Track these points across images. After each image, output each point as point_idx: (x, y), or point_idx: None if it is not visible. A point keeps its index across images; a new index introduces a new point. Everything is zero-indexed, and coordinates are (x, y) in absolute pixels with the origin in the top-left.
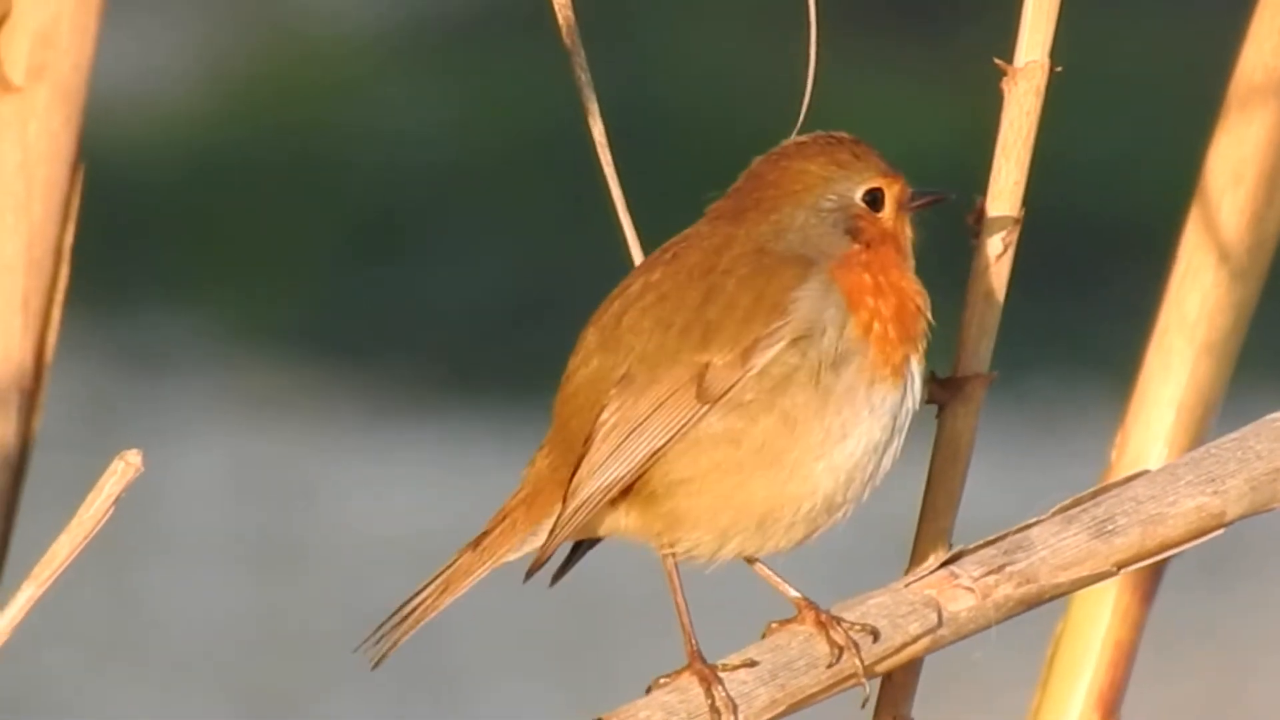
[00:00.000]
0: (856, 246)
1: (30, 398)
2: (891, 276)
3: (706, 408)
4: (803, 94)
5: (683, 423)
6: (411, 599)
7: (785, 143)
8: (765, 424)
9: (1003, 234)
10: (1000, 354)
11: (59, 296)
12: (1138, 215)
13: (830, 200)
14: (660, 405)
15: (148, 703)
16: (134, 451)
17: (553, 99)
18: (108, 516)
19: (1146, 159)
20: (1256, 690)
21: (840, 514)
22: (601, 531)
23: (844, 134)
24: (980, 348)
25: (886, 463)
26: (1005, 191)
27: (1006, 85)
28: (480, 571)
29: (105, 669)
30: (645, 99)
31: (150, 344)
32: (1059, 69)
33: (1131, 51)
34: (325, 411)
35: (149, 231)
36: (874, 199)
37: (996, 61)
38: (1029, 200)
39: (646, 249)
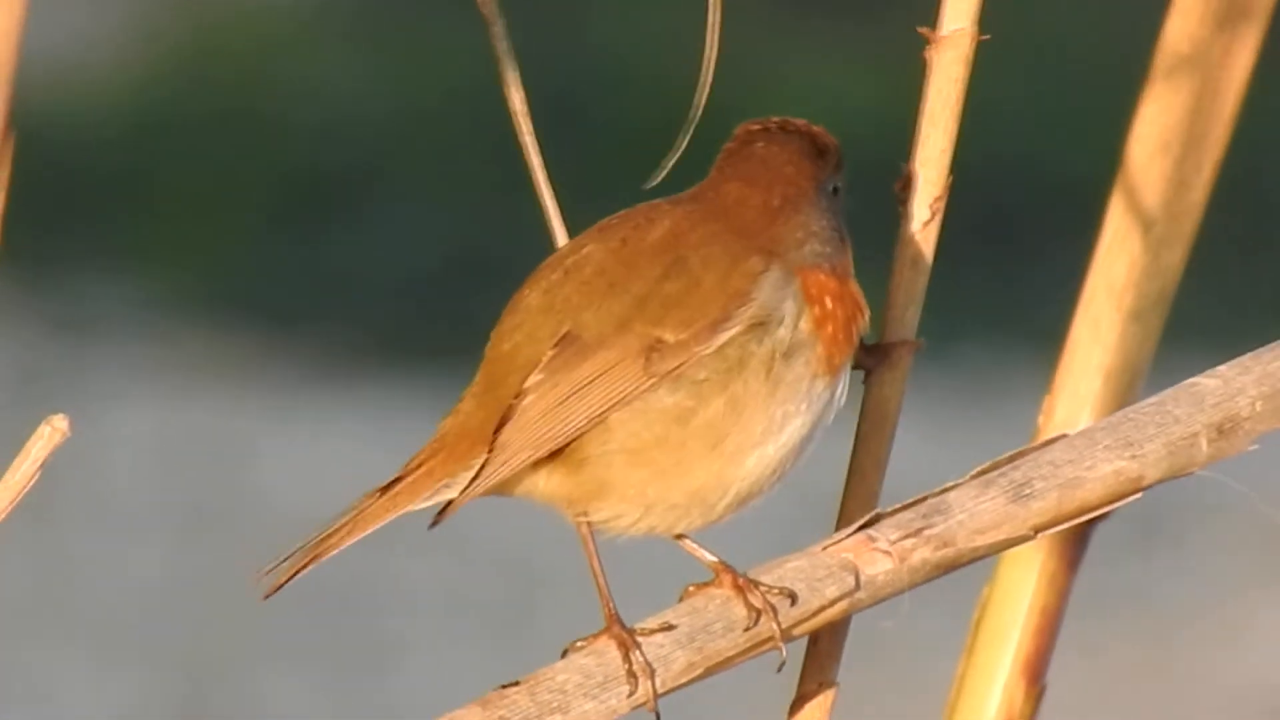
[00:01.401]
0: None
1: None
2: (845, 275)
3: (653, 380)
4: (730, 72)
5: (626, 392)
6: (315, 537)
7: (754, 128)
8: (715, 405)
9: (930, 201)
10: (928, 322)
11: None
12: (1067, 182)
13: (826, 195)
14: (606, 371)
15: (76, 669)
16: (60, 416)
17: (485, 63)
18: (34, 481)
19: (1076, 126)
20: (1182, 657)
21: (754, 501)
22: (516, 491)
23: (782, 119)
24: (907, 315)
25: (803, 458)
26: (932, 159)
27: (931, 53)
28: (387, 517)
29: (32, 635)
30: (568, 87)
31: (80, 310)
32: (986, 37)
33: (1060, 18)
34: (256, 378)
35: (78, 198)
36: (837, 189)
37: (921, 30)
38: (956, 168)
39: (569, 218)
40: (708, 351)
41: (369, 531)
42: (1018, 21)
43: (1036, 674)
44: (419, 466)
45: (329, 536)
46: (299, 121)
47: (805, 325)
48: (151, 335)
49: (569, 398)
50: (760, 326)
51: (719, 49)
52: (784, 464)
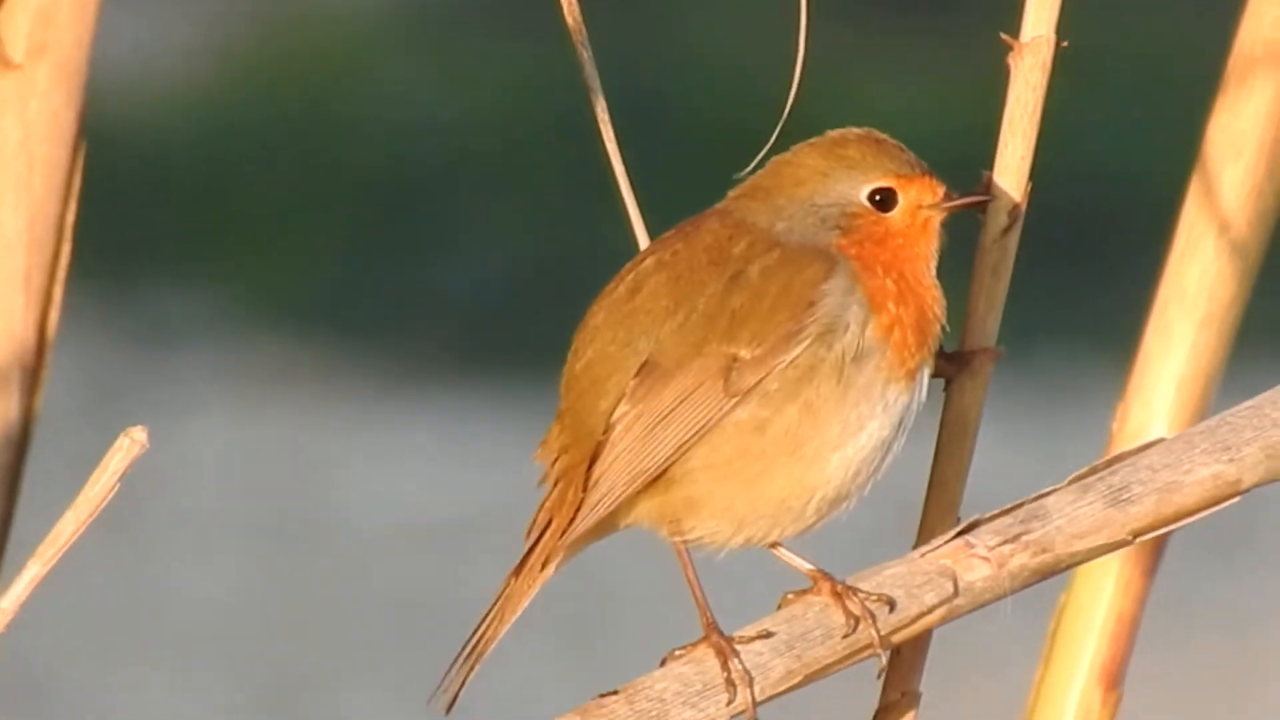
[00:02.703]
0: (843, 241)
1: (33, 375)
2: (909, 281)
3: (735, 400)
4: (810, 80)
5: (710, 416)
6: (471, 636)
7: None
8: (789, 413)
9: (1009, 209)
10: (1007, 327)
11: (61, 274)
12: (1144, 189)
13: (826, 197)
14: (687, 397)
15: (154, 682)
16: (139, 428)
17: (562, 83)
18: (113, 493)
19: (1153, 132)
20: (1260, 662)
21: (845, 505)
22: (621, 524)
23: (865, 130)
24: (987, 323)
25: (890, 459)
26: (1011, 166)
27: (1012, 60)
28: (533, 590)
29: (111, 649)
30: (652, 89)
31: (158, 321)
32: (1064, 44)
33: (1137, 25)
34: (334, 390)
35: (157, 209)
36: (884, 198)
37: (1002, 36)
38: (1034, 177)
39: (651, 228)
40: (781, 366)
41: (519, 613)
42: (1099, 29)
43: (1114, 681)
44: (547, 525)
45: (484, 632)
46: (373, 130)
47: (872, 331)
48: (229, 347)
49: (655, 427)
50: (829, 334)
51: (806, 53)
52: (867, 465)
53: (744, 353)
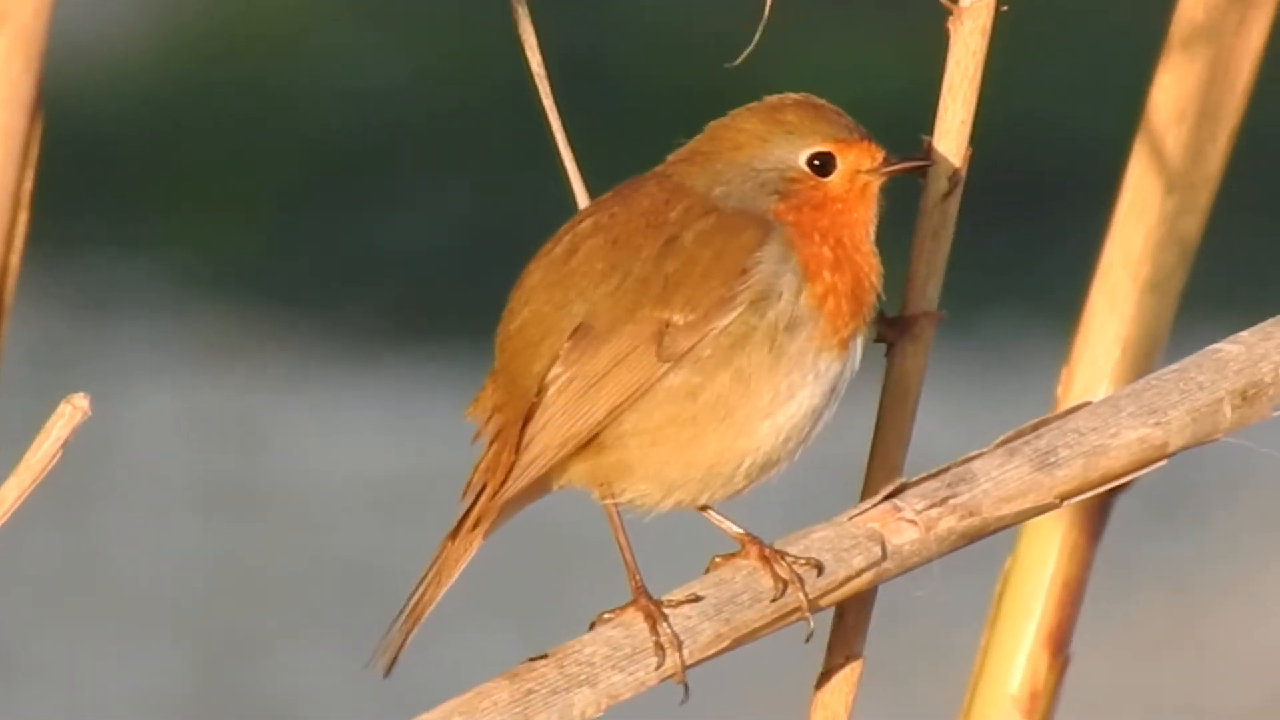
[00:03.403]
0: (781, 206)
1: None
2: (846, 247)
3: (667, 366)
4: (754, 46)
5: (642, 381)
6: (409, 599)
7: (751, 104)
8: (721, 380)
9: (950, 174)
10: (949, 292)
11: (18, 243)
12: (1085, 154)
13: (765, 162)
14: (620, 361)
15: (102, 649)
16: (81, 395)
17: (506, 46)
18: (55, 460)
19: (1092, 99)
20: (1205, 628)
21: (774, 471)
22: (554, 486)
23: (803, 95)
24: (929, 287)
25: (820, 426)
26: (952, 131)
27: (952, 24)
28: (469, 553)
29: (58, 616)
30: (592, 52)
31: (100, 289)
32: (1004, 8)
33: None
34: (278, 356)
35: (99, 177)
36: (822, 163)
37: (942, 1)
38: (975, 142)
39: (592, 192)
40: (714, 332)
41: (456, 576)
42: None
43: (1060, 645)
44: (480, 490)
45: (422, 595)
46: (318, 98)
47: (806, 300)
48: (172, 313)
49: (588, 391)
50: (762, 301)
51: (741, 18)
52: (798, 432)
53: (677, 318)
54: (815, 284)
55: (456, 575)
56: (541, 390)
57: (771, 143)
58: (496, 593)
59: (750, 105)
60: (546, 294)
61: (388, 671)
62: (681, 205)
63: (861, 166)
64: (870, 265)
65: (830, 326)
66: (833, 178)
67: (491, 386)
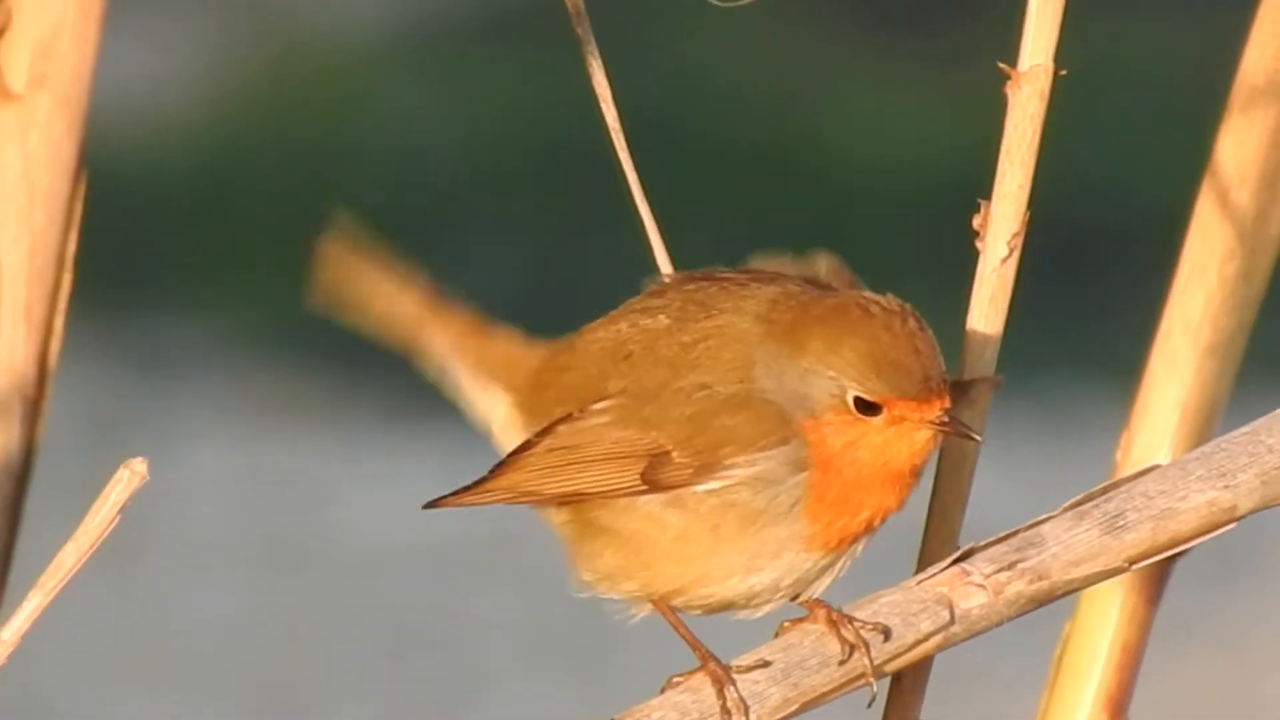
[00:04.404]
0: (810, 423)
1: (34, 406)
2: (857, 495)
3: (644, 487)
4: (812, 101)
5: (620, 489)
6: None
7: (878, 299)
8: (695, 527)
9: (1007, 238)
10: (1006, 354)
11: (62, 305)
12: (1145, 217)
13: (817, 377)
14: (610, 459)
15: (156, 708)
16: (139, 459)
17: (563, 106)
18: (114, 524)
19: (1154, 161)
20: (1263, 692)
21: (755, 612)
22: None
23: (910, 325)
24: (985, 352)
25: (817, 587)
26: (1010, 195)
27: (1010, 89)
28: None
29: (116, 680)
30: (655, 108)
31: (156, 349)
32: (1063, 72)
33: (1136, 53)
34: (334, 416)
35: (155, 236)
36: (866, 406)
37: (1000, 66)
38: (1034, 204)
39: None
40: (699, 489)
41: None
42: (1104, 47)
43: (1118, 709)
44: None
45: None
46: (374, 156)
47: (801, 517)
48: (228, 375)
49: (568, 466)
50: (761, 484)
51: (801, 77)
52: (775, 592)
53: (676, 454)
54: (819, 516)
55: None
56: (542, 434)
57: (831, 362)
58: (550, 651)
59: (850, 299)
60: (600, 359)
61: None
62: (737, 366)
63: (908, 417)
64: (891, 499)
65: (821, 543)
66: (877, 420)
67: (527, 382)
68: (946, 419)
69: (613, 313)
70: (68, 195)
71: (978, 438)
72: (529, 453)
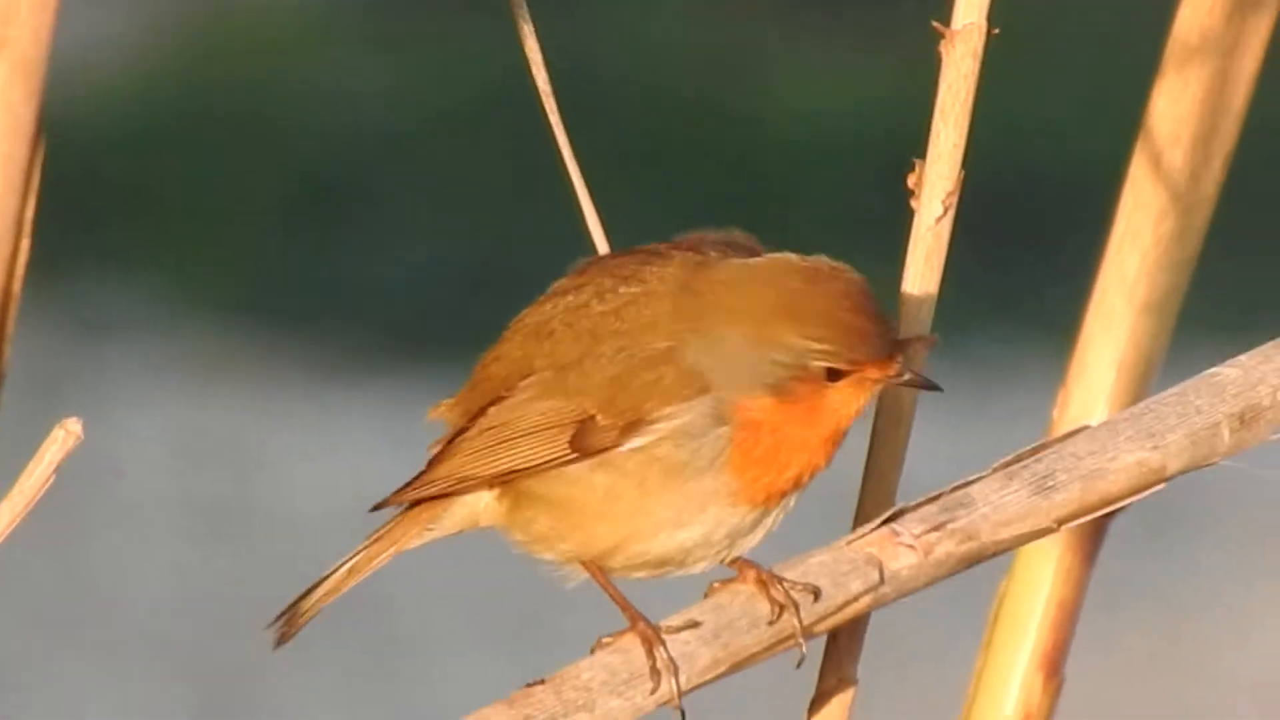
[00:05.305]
0: (770, 401)
1: None
2: (796, 442)
3: (574, 455)
4: (751, 61)
5: (547, 459)
6: (315, 586)
7: (816, 261)
8: (621, 485)
9: (942, 197)
10: (942, 315)
11: (20, 270)
12: (1080, 176)
13: (787, 356)
14: (538, 430)
15: (94, 673)
16: (74, 419)
17: (499, 66)
18: (48, 485)
19: (1088, 120)
20: (1196, 650)
21: (691, 569)
22: (480, 521)
23: (859, 291)
24: (921, 311)
25: (750, 541)
26: (944, 154)
27: (944, 48)
28: (385, 554)
29: (51, 640)
30: (591, 72)
31: (91, 313)
32: (996, 31)
33: (1072, 12)
34: (269, 379)
35: (87, 200)
36: (837, 374)
37: (934, 25)
38: (970, 163)
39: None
40: (625, 449)
41: (368, 573)
42: (1036, 13)
43: (1054, 667)
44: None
45: (330, 583)
46: (308, 123)
47: (725, 466)
48: (163, 338)
49: (499, 445)
50: (679, 438)
51: (741, 36)
52: (707, 548)
53: (600, 418)
54: (744, 472)
55: (368, 573)
56: (474, 419)
57: (791, 337)
58: (492, 618)
59: (789, 262)
60: (524, 342)
61: (279, 644)
62: (657, 327)
63: (872, 377)
64: (820, 457)
65: (746, 497)
66: (840, 383)
67: (457, 399)
68: (908, 374)
69: (539, 298)
70: (25, 161)
71: (940, 388)
72: (462, 438)
